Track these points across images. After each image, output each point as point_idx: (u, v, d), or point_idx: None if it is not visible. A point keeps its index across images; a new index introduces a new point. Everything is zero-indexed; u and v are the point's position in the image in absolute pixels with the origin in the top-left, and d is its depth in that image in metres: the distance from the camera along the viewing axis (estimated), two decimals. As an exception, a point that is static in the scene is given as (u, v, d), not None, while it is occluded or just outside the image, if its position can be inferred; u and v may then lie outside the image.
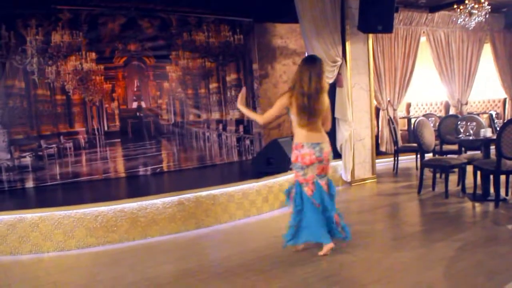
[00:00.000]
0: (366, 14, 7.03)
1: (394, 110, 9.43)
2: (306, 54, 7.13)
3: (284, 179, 6.27)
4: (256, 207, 5.92)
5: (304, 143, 4.09)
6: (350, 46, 7.38)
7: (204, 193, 5.52)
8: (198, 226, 5.45)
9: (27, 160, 6.50)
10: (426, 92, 11.50)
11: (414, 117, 9.68)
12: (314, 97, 3.97)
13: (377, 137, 9.52)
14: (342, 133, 7.29)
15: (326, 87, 4.10)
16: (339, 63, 7.16)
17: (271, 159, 6.49)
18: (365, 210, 5.92)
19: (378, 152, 9.26)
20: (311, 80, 3.96)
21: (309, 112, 3.99)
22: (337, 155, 7.34)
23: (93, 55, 6.88)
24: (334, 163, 7.36)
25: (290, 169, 6.38)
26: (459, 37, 10.16)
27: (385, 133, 9.40)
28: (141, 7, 7.07)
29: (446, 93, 10.28)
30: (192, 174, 7.32)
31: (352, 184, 7.44)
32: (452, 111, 10.18)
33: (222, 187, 5.66)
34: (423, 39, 9.91)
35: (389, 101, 9.35)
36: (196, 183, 6.05)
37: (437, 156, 7.24)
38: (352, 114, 7.32)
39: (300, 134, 4.10)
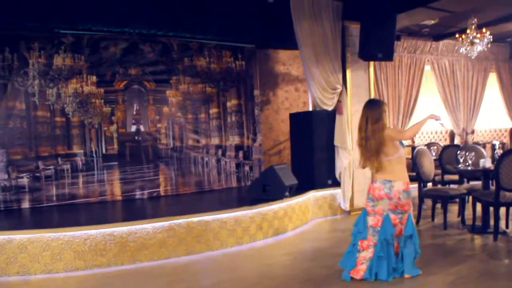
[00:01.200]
0: (366, 42, 7.04)
1: (398, 138, 9.33)
2: (308, 82, 7.16)
3: (278, 207, 6.21)
4: (249, 235, 5.85)
5: (377, 178, 4.27)
6: (350, 74, 7.39)
7: (195, 219, 5.48)
8: (188, 252, 5.39)
9: (24, 180, 6.55)
10: (431, 121, 11.38)
11: (418, 146, 9.57)
12: (370, 139, 4.22)
13: (380, 165, 9.42)
14: (342, 161, 7.23)
15: (384, 126, 4.25)
16: (339, 90, 7.16)
17: (267, 186, 6.43)
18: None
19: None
20: (367, 123, 4.26)
21: (365, 151, 4.28)
22: (336, 183, 7.29)
23: (94, 78, 6.98)
24: (333, 191, 7.30)
25: (286, 197, 6.34)
26: (464, 65, 10.15)
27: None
28: (143, 32, 7.16)
29: (450, 122, 10.19)
30: (188, 199, 7.29)
31: (351, 213, 7.32)
32: (457, 140, 10.08)
33: (215, 213, 5.61)
34: (427, 67, 9.91)
35: (392, 129, 9.27)
36: (190, 208, 6.05)
37: (439, 186, 7.14)
38: (351, 142, 7.27)
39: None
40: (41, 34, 6.64)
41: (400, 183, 4.18)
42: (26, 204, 6.55)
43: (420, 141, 11.25)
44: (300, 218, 6.66)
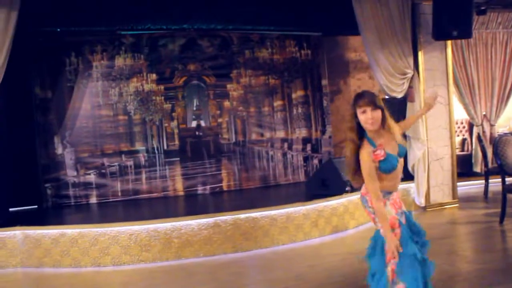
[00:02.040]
0: (440, 20, 6.33)
1: (492, 125, 8.31)
2: (372, 69, 6.64)
3: (337, 203, 5.81)
4: (304, 232, 5.54)
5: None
6: (423, 56, 6.70)
7: (242, 215, 5.31)
8: (236, 249, 5.24)
9: (92, 177, 6.93)
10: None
11: (502, 133, 8.45)
12: None
13: (470, 156, 8.50)
14: (414, 152, 6.58)
15: None
16: (409, 75, 6.52)
17: (326, 180, 6.06)
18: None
19: (471, 173, 8.28)
20: None
21: None
22: (409, 176, 6.66)
23: (154, 76, 7.14)
24: (405, 185, 6.68)
25: (347, 192, 5.92)
26: None
27: (479, 151, 8.31)
28: (201, 27, 7.16)
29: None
30: (251, 194, 7.17)
31: (427, 209, 6.65)
32: None
33: (263, 210, 5.40)
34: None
35: (484, 115, 8.27)
36: (251, 203, 5.99)
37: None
38: (426, 131, 6.59)
39: None
40: (102, 37, 6.97)
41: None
42: (93, 199, 6.92)
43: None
44: (365, 215, 6.08)
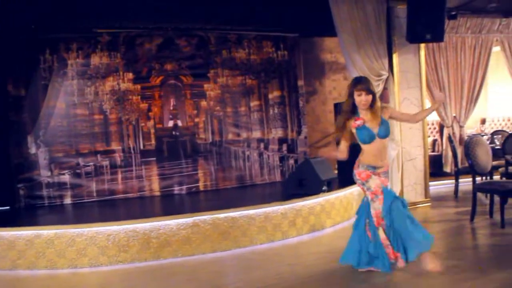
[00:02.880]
0: (414, 23, 6.49)
1: (461, 127, 8.56)
2: (349, 70, 6.76)
3: (314, 202, 5.87)
4: (282, 231, 5.58)
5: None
6: (398, 58, 6.84)
7: (221, 215, 5.31)
8: (214, 249, 5.23)
9: (66, 177, 6.83)
10: (504, 107, 10.35)
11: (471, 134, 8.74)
12: None
13: (440, 156, 8.74)
14: (389, 153, 6.71)
15: None
16: (384, 76, 6.65)
17: (303, 180, 6.13)
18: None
19: (441, 174, 8.52)
20: None
21: None
22: (383, 176, 6.79)
23: (130, 75, 7.10)
24: (380, 185, 6.80)
25: (323, 192, 6.00)
26: (543, 43, 9.02)
27: (449, 152, 8.55)
28: (178, 26, 7.14)
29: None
30: (228, 194, 7.20)
31: (401, 208, 6.79)
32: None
33: (241, 209, 5.41)
34: (496, 48, 8.95)
35: (454, 117, 8.51)
36: (228, 203, 5.96)
37: (503, 179, 6.42)
38: (400, 132, 6.75)
39: None
40: (78, 34, 6.88)
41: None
42: (68, 200, 6.83)
43: (491, 130, 10.31)
44: (341, 214, 6.27)
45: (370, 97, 3.77)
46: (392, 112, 4.11)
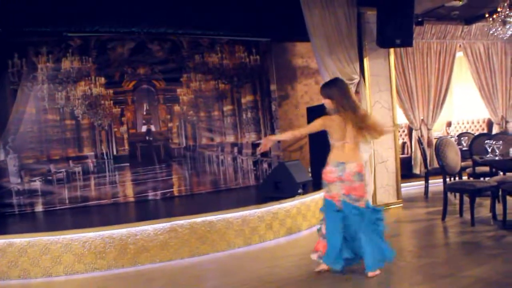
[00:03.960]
0: (384, 28, 6.67)
1: (429, 129, 8.81)
2: (321, 74, 6.85)
3: (290, 205, 5.92)
4: (259, 235, 5.60)
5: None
6: (369, 62, 7.01)
7: (198, 219, 5.29)
8: (192, 254, 5.21)
9: (37, 184, 6.66)
10: (468, 110, 10.71)
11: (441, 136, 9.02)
12: None
13: (410, 158, 8.96)
14: (362, 155, 6.82)
15: None
16: (356, 80, 6.78)
17: (279, 183, 6.17)
18: (375, 239, 5.42)
19: (411, 175, 8.74)
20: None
21: None
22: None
23: (102, 80, 7.00)
24: (353, 187, 6.91)
25: (299, 194, 6.06)
26: (501, 49, 9.40)
27: (418, 154, 8.79)
28: (151, 31, 7.09)
29: (487, 110, 9.50)
30: (203, 198, 7.15)
31: (374, 210, 6.92)
32: (495, 130, 9.37)
33: (219, 213, 5.40)
34: (460, 53, 9.28)
35: (422, 120, 8.76)
36: (199, 208, 5.91)
37: (471, 179, 6.63)
38: (371, 135, 6.88)
39: None
40: (48, 38, 6.74)
41: (353, 165, 4.09)
42: (39, 208, 6.65)
43: (456, 132, 10.64)
44: (317, 216, 6.29)
45: (327, 101, 4.14)
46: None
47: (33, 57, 6.62)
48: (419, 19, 7.90)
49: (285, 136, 4.75)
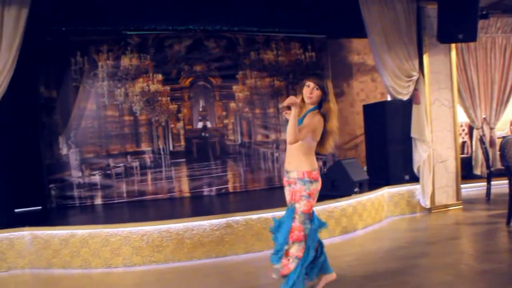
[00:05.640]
0: (445, 23, 6.40)
1: (491, 128, 8.41)
2: (379, 71, 6.69)
3: (346, 204, 5.81)
4: (314, 233, 5.52)
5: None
6: (428, 59, 6.76)
7: (254, 216, 5.28)
8: (247, 250, 5.21)
9: (97, 178, 6.87)
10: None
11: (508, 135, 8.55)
12: None
13: (470, 158, 8.59)
14: (420, 154, 6.63)
15: None
16: (415, 77, 6.58)
17: (335, 181, 6.08)
18: (435, 241, 5.22)
19: (471, 176, 8.36)
20: None
21: None
22: (414, 178, 6.71)
23: (160, 77, 7.12)
24: (411, 187, 6.71)
25: (355, 193, 5.94)
26: None
27: (479, 154, 8.40)
28: (207, 28, 7.16)
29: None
30: (257, 195, 7.15)
31: (432, 211, 6.69)
32: None
33: (274, 210, 5.35)
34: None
35: (484, 118, 8.37)
36: (255, 205, 5.90)
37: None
38: (431, 133, 6.65)
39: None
40: (108, 37, 6.94)
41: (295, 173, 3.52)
42: (98, 201, 6.87)
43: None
44: (373, 216, 6.20)
45: (316, 92, 3.47)
46: (308, 123, 3.49)
47: (94, 54, 6.84)
48: (484, 12, 7.50)
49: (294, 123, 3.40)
